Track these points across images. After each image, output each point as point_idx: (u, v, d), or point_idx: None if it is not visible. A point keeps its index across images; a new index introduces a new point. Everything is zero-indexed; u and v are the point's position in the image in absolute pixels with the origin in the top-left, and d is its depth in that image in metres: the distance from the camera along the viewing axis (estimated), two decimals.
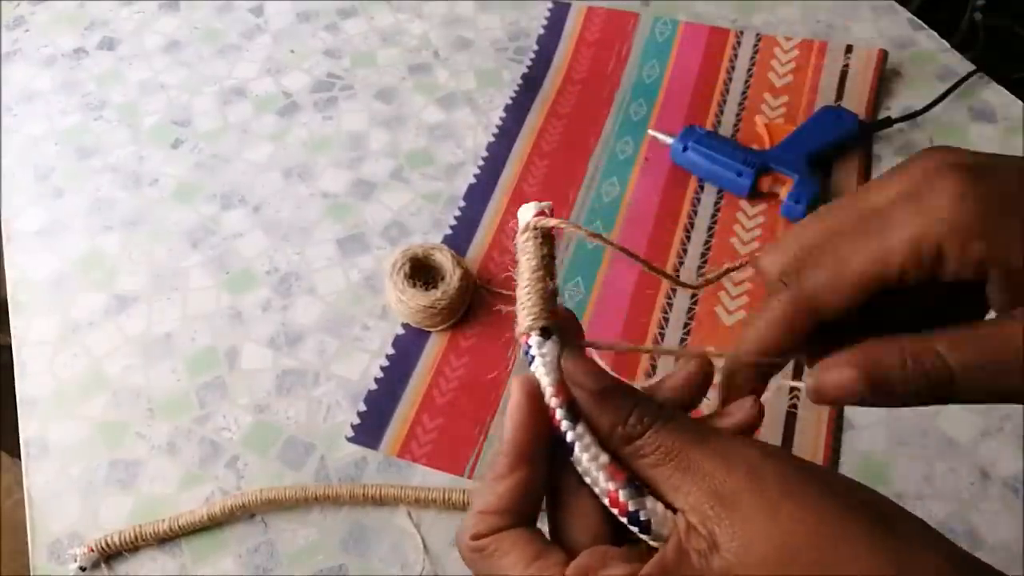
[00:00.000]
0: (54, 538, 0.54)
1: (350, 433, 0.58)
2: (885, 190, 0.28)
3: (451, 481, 0.56)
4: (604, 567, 0.26)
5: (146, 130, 0.76)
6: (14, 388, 0.61)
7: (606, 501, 0.27)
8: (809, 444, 0.56)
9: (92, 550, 0.52)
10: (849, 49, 0.76)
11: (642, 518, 0.27)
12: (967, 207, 0.26)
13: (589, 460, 0.27)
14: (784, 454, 0.27)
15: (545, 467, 0.28)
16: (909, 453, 0.56)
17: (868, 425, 0.57)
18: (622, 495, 0.27)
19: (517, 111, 0.75)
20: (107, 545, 0.53)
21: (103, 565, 0.53)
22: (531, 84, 0.77)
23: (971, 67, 0.75)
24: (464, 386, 0.59)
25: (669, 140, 0.71)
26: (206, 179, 0.72)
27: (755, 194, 0.67)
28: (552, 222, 0.28)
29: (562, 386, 0.28)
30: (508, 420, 0.28)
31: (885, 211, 0.28)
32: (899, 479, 0.55)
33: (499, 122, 0.75)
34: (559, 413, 0.28)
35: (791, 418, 0.57)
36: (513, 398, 0.28)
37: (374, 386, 0.60)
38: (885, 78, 0.75)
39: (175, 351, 0.62)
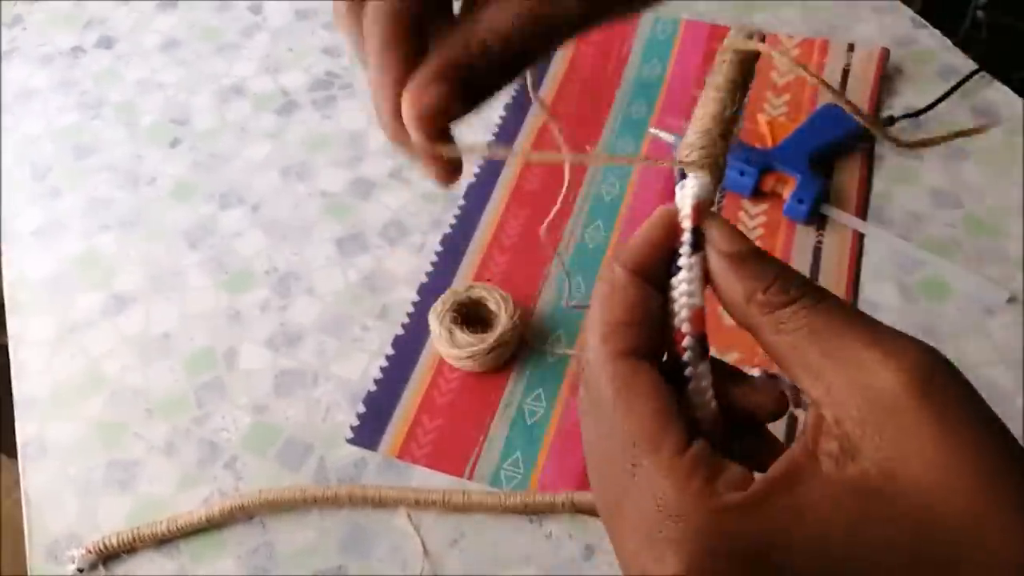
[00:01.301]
0: (52, 539, 0.54)
1: (349, 434, 0.58)
2: None
3: (451, 482, 0.55)
4: (722, 468, 0.23)
5: (144, 129, 0.76)
6: (11, 388, 0.61)
7: (673, 335, 0.26)
8: None
9: (90, 551, 0.52)
10: (851, 47, 0.76)
11: (686, 373, 0.26)
12: None
13: (683, 293, 0.26)
14: (951, 364, 0.22)
15: (659, 308, 0.26)
16: None
17: None
18: (686, 342, 0.26)
19: (517, 110, 0.75)
20: (105, 546, 0.52)
21: (101, 567, 0.53)
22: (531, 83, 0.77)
23: (973, 66, 0.74)
24: (464, 387, 0.59)
25: (671, 139, 0.70)
26: (204, 178, 0.72)
27: (757, 193, 0.67)
28: (751, 44, 0.27)
29: (700, 209, 0.27)
30: (637, 236, 0.27)
31: None
32: None
33: (499, 121, 0.74)
34: (685, 235, 0.27)
35: (793, 419, 0.57)
36: (653, 216, 0.27)
37: (373, 387, 0.60)
38: (887, 76, 0.75)
39: (173, 351, 0.62)
